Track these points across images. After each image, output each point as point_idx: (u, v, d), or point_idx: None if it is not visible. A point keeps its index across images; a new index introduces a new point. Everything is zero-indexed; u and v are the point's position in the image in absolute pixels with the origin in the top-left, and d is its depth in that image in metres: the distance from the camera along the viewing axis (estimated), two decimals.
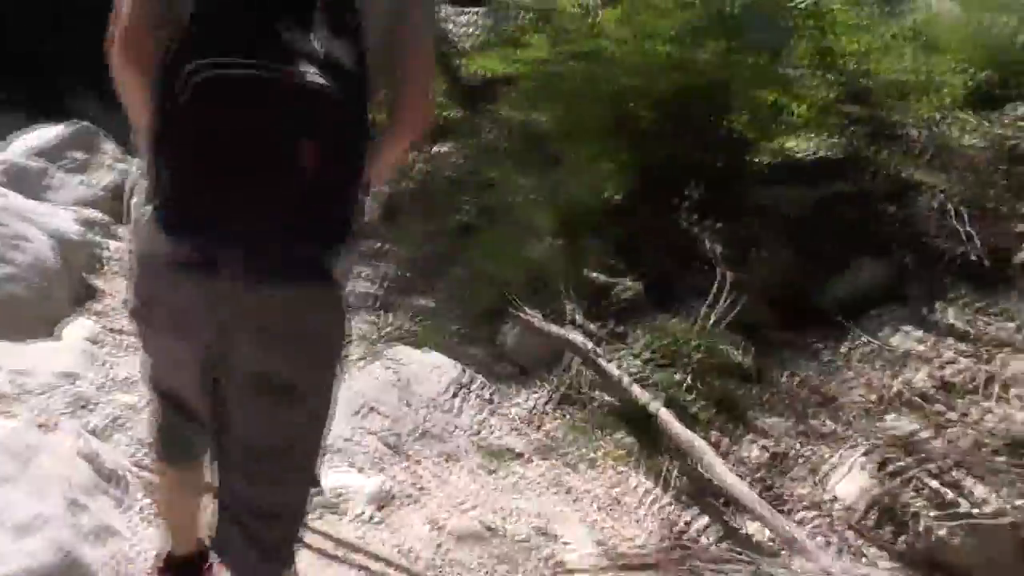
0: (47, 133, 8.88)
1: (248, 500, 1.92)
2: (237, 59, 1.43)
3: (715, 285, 4.54)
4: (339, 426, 4.31)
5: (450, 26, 11.06)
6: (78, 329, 5.89)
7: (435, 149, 8.53)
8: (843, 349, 4.48)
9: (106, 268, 7.21)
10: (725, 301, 4.46)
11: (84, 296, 6.55)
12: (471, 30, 11.27)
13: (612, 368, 4.28)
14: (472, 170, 7.52)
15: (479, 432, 4.37)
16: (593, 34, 6.25)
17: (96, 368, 4.83)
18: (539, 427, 4.41)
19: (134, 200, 1.80)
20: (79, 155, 8.54)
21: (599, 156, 5.76)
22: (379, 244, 7.45)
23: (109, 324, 6.04)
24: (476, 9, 11.62)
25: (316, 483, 2.06)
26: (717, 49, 5.33)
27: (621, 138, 5.65)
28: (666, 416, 3.96)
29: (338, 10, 1.54)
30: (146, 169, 1.60)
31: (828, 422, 4.07)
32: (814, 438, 4.02)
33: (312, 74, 1.43)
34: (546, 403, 4.56)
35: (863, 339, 4.44)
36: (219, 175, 1.49)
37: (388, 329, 5.54)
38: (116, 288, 6.87)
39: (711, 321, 4.40)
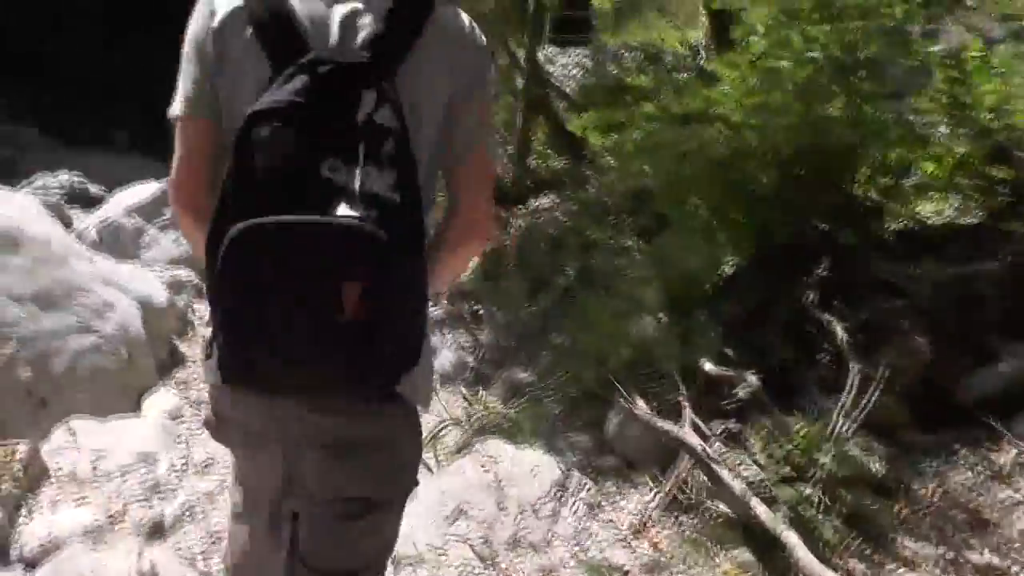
0: (145, 190, 8.79)
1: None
2: (276, 211, 1.42)
3: (844, 378, 3.99)
4: (427, 532, 3.97)
5: (551, 67, 10.74)
6: (160, 402, 5.68)
7: (536, 203, 8.15)
8: (996, 458, 3.87)
9: (193, 332, 7.00)
10: (855, 397, 3.90)
11: (170, 363, 6.34)
12: (573, 71, 10.93)
13: (728, 476, 3.77)
14: (574, 228, 7.11)
15: (581, 543, 3.91)
16: (703, 82, 5.79)
17: (175, 448, 4.66)
18: (647, 537, 3.92)
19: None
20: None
21: (711, 222, 5.28)
22: (477, 307, 7.08)
23: (192, 396, 5.82)
24: (579, 50, 11.30)
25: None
26: (842, 103, 4.78)
27: (735, 202, 5.15)
28: (792, 540, 3.43)
29: (381, 137, 1.49)
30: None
31: (986, 552, 3.47)
32: (971, 574, 3.42)
33: (349, 214, 1.42)
34: (655, 507, 4.06)
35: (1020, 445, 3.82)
36: (265, 327, 1.46)
37: (482, 413, 5.12)
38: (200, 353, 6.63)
39: (840, 423, 3.84)
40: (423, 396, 1.80)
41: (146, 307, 6.27)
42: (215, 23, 1.65)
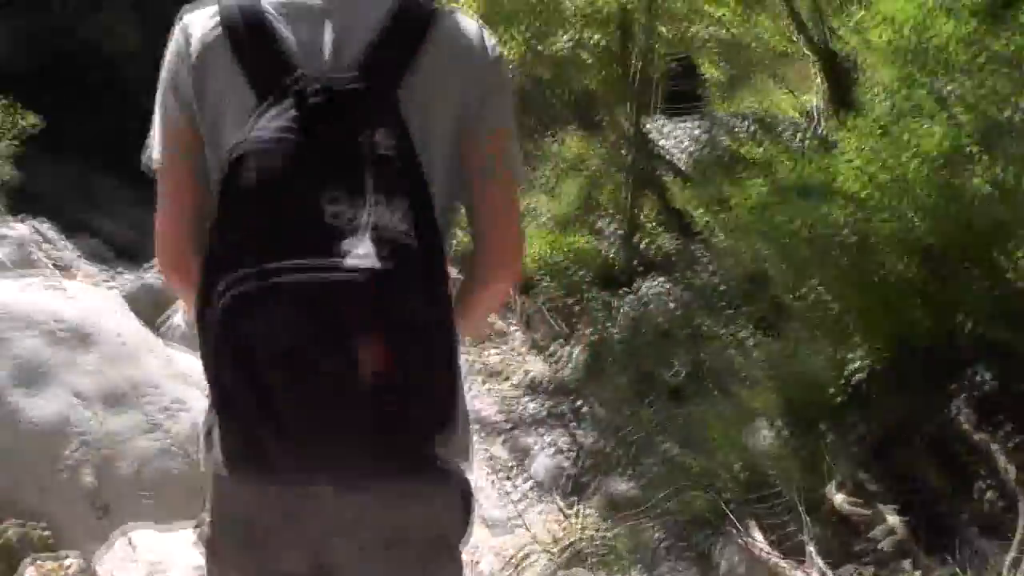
0: None
1: None
2: (273, 262, 1.18)
3: (1012, 518, 3.18)
4: None
5: (661, 140, 10.10)
6: None
7: (645, 287, 7.48)
8: None
9: None
10: None
11: None
12: (684, 143, 10.26)
13: None
14: (685, 316, 6.40)
15: None
16: (822, 151, 5.10)
17: None
18: None
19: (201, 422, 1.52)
20: None
21: (836, 315, 4.53)
22: (578, 403, 6.43)
23: None
24: (690, 121, 10.65)
25: None
26: (994, 175, 4.01)
27: (865, 292, 4.38)
28: None
29: (389, 168, 1.26)
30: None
31: None
32: None
33: (360, 259, 1.17)
34: None
35: None
36: (271, 404, 1.19)
37: (576, 535, 4.47)
38: None
39: None
40: (462, 448, 1.41)
41: None
42: (192, 53, 1.40)
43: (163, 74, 1.45)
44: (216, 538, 1.53)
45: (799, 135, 8.21)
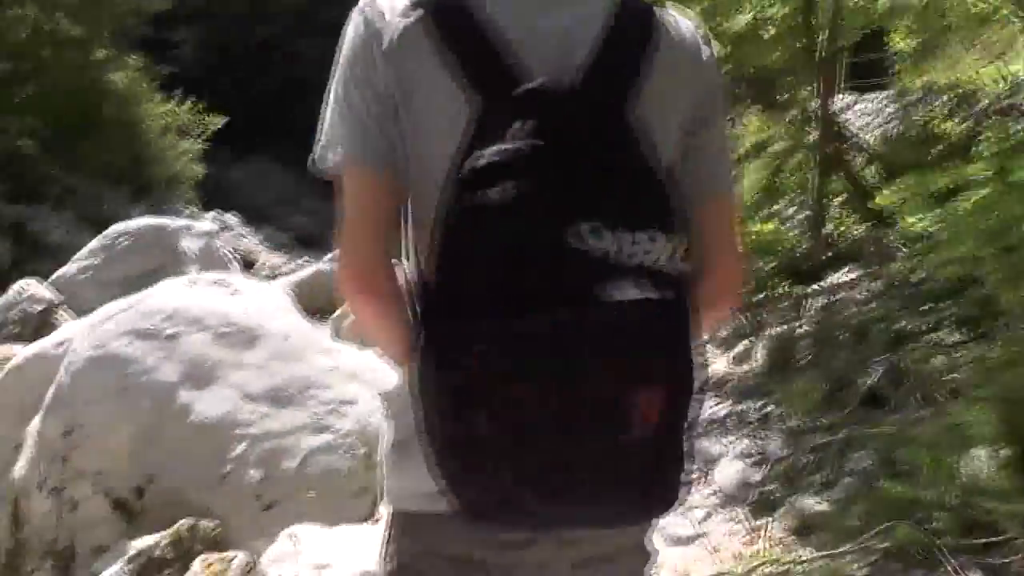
0: None
1: None
2: (527, 306, 1.05)
3: None
4: None
5: (848, 116, 9.49)
6: None
7: (833, 279, 7.00)
8: None
9: None
10: None
11: None
12: (873, 120, 9.63)
13: None
14: (881, 314, 5.93)
15: None
16: None
17: None
18: None
19: (388, 444, 1.38)
20: None
21: None
22: (762, 403, 6.05)
23: None
24: (878, 95, 9.98)
25: None
26: None
27: None
28: None
29: (646, 185, 1.12)
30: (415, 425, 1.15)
31: None
32: None
33: (633, 291, 1.06)
34: None
35: None
36: (528, 459, 1.09)
37: (763, 557, 4.16)
38: None
39: None
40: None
41: None
42: (384, 43, 1.20)
43: (343, 63, 1.26)
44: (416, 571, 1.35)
45: (1000, 108, 7.55)
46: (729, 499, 5.07)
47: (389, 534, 1.39)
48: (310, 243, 19.28)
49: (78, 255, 12.60)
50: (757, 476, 5.17)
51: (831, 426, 5.26)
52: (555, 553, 1.28)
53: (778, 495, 4.93)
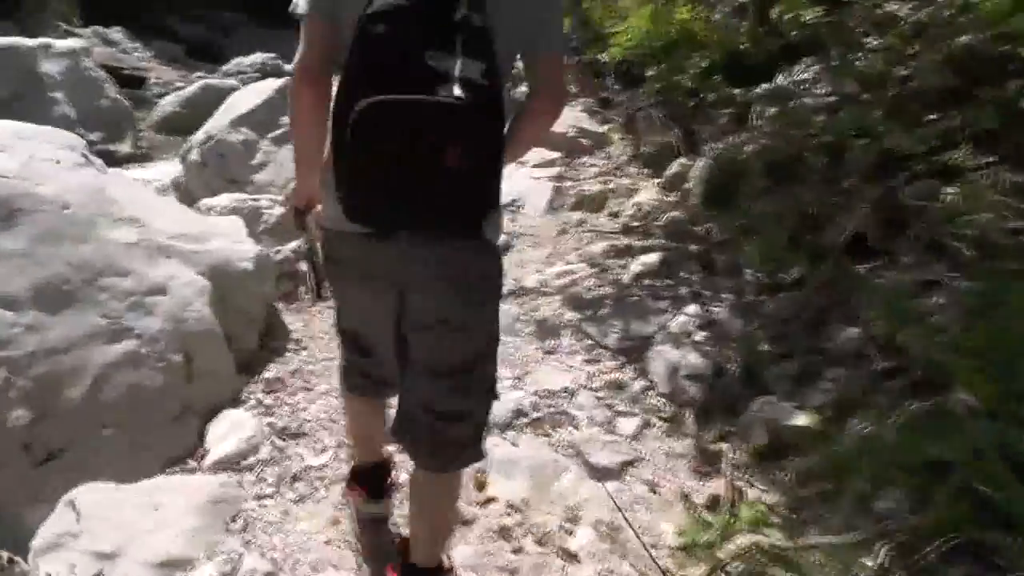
0: (255, 93, 6.37)
1: (433, 404, 2.07)
2: (392, 91, 1.63)
3: None
4: None
5: None
6: (229, 433, 3.47)
7: (786, 79, 5.17)
8: None
9: (307, 289, 4.66)
10: None
11: (261, 354, 4.06)
12: None
13: None
14: (857, 123, 4.15)
15: None
16: None
17: (226, 542, 2.77)
18: None
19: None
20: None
21: None
22: (702, 248, 4.35)
23: (283, 411, 3.61)
24: None
25: (496, 396, 2.18)
26: None
27: None
28: None
29: (474, 39, 1.70)
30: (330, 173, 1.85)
31: None
32: None
33: (448, 93, 1.62)
34: None
35: None
36: (385, 176, 1.71)
37: (728, 534, 2.55)
38: (319, 325, 4.34)
39: None
40: (498, 232, 2.04)
41: (223, 275, 4.00)
42: None
43: None
44: (333, 263, 2.14)
45: None
46: (668, 399, 3.43)
47: (326, 244, 2.13)
48: (203, 52, 16.82)
49: None
50: (704, 363, 3.52)
51: (802, 284, 3.60)
52: (407, 251, 1.90)
53: (736, 393, 3.31)
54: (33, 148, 4.08)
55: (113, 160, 10.49)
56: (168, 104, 12.51)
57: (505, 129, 1.83)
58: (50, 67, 11.04)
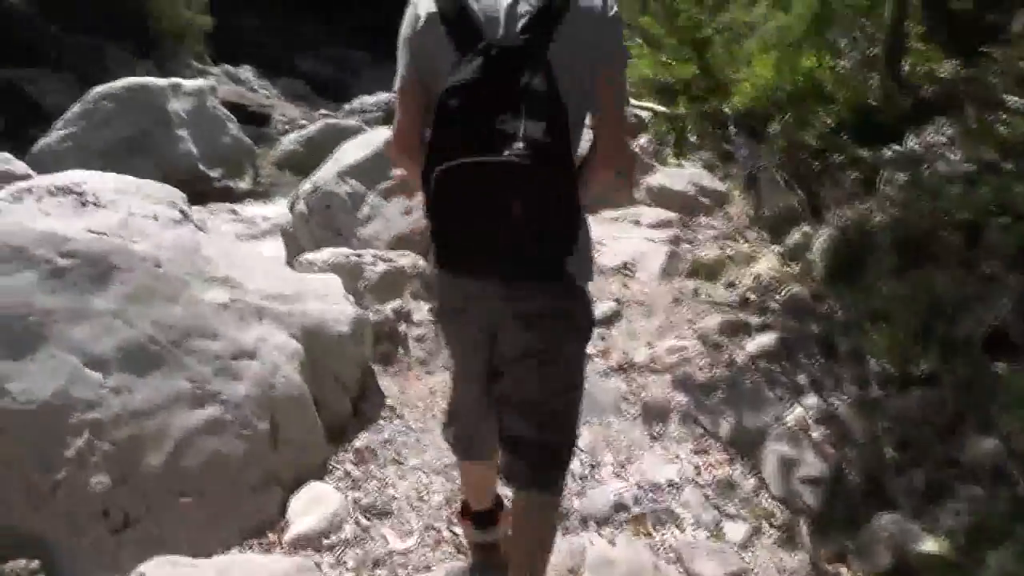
0: (373, 140, 6.33)
1: (533, 440, 2.31)
2: (466, 154, 1.85)
3: None
4: None
5: None
6: (312, 509, 3.38)
7: (918, 139, 4.82)
8: None
9: (406, 352, 4.56)
10: None
11: (354, 421, 3.97)
12: None
13: None
14: (998, 193, 3.80)
15: None
16: None
17: None
18: None
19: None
20: (403, 171, 5.89)
21: None
22: (826, 330, 4.05)
23: (370, 486, 3.51)
24: None
25: (577, 435, 2.45)
26: None
27: None
28: None
29: (537, 102, 1.87)
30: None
31: None
32: None
33: (514, 153, 1.81)
34: None
35: None
36: (466, 229, 1.94)
37: None
38: (417, 391, 4.22)
39: None
40: (586, 275, 2.21)
41: (316, 338, 3.94)
42: (419, 26, 2.07)
43: (401, 36, 2.12)
44: (441, 309, 2.39)
45: None
46: (782, 504, 3.16)
47: (435, 291, 2.38)
48: (328, 90, 17.16)
49: (58, 122, 10.72)
50: (822, 465, 3.23)
51: (933, 381, 3.28)
52: (500, 304, 2.14)
53: (857, 503, 3.01)
54: (133, 204, 4.09)
55: (233, 196, 10.80)
56: (289, 142, 12.79)
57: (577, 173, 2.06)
58: (178, 106, 11.42)
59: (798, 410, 3.46)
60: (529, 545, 2.48)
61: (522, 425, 2.30)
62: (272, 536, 3.21)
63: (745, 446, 3.45)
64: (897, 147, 4.83)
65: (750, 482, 3.28)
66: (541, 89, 1.88)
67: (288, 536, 3.20)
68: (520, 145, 1.81)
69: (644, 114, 8.19)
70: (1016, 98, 4.72)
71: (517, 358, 2.23)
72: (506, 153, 1.81)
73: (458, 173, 1.84)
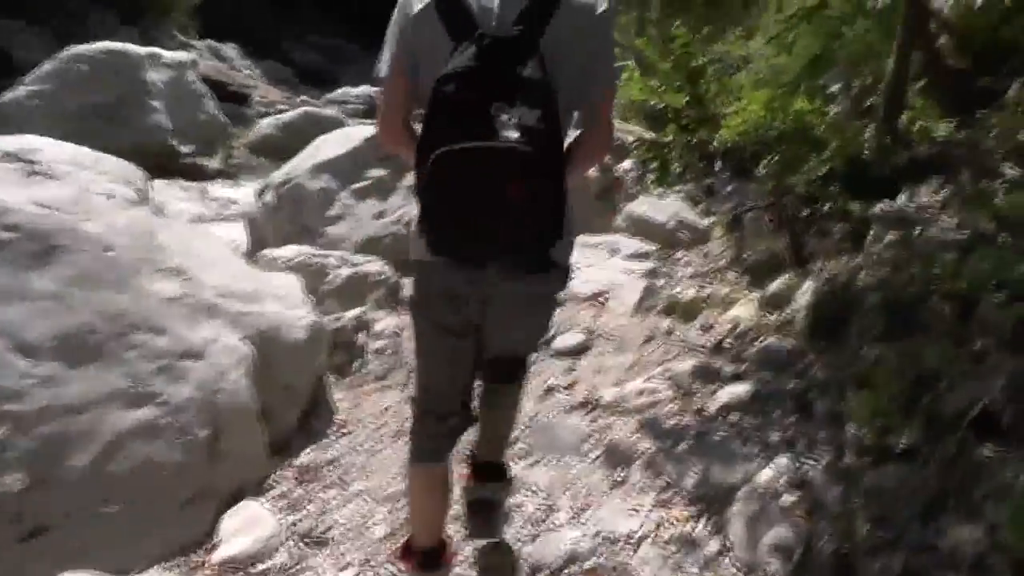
0: (352, 135, 6.07)
1: (508, 359, 2.72)
2: (462, 140, 1.88)
3: None
4: None
5: None
6: (238, 539, 3.16)
7: (911, 199, 4.68)
8: None
9: (362, 363, 4.33)
10: None
11: (299, 436, 3.75)
12: None
13: None
14: (993, 265, 3.64)
15: None
16: None
17: None
18: None
19: (413, 226, 2.17)
20: (380, 172, 5.63)
21: None
22: (804, 387, 3.87)
23: (309, 510, 3.28)
24: None
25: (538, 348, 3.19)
26: None
27: None
28: None
29: (532, 91, 1.94)
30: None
31: None
32: None
33: (509, 138, 1.86)
34: None
35: None
36: (460, 213, 1.97)
37: None
38: (370, 407, 4.00)
39: None
40: (567, 254, 2.32)
41: (270, 343, 3.72)
42: (412, 13, 2.13)
43: (392, 22, 2.19)
44: (422, 299, 2.37)
45: None
46: (745, 570, 2.96)
47: (414, 279, 2.37)
48: (314, 78, 16.82)
49: (28, 77, 10.35)
50: (792, 534, 3.04)
51: (913, 456, 3.11)
52: (487, 276, 2.19)
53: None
54: (89, 179, 3.84)
55: (202, 174, 10.50)
56: (266, 126, 12.49)
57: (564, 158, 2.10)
58: (155, 76, 11.10)
59: (769, 472, 3.26)
60: (505, 423, 2.98)
61: (504, 353, 2.64)
62: (199, 556, 2.98)
63: (711, 503, 3.24)
64: (890, 203, 4.68)
65: (714, 543, 3.08)
66: (535, 78, 1.96)
67: (216, 557, 2.97)
68: (515, 133, 1.86)
69: (629, 138, 8.01)
70: (1012, 169, 4.58)
71: (504, 325, 2.41)
72: (503, 137, 1.86)
73: (455, 157, 1.87)
